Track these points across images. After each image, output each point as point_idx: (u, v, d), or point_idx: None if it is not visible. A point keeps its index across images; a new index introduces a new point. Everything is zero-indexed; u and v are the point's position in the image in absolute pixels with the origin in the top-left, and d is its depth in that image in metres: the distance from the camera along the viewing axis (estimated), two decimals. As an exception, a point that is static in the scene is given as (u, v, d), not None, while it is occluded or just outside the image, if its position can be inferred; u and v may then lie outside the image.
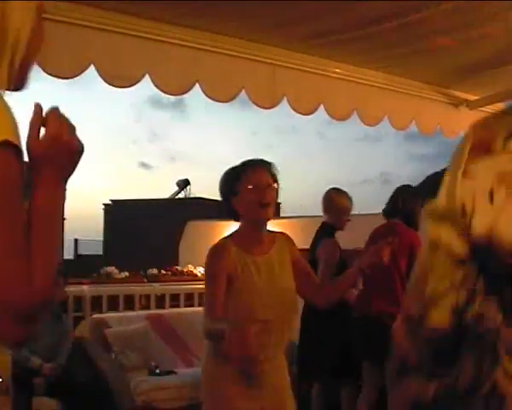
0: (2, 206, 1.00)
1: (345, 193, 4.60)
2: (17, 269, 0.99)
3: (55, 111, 1.13)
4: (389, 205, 4.43)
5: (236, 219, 2.72)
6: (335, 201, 4.53)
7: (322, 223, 4.59)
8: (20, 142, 1.04)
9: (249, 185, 2.61)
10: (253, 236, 2.67)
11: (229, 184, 2.70)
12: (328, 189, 4.65)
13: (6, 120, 1.04)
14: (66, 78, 3.44)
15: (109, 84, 3.56)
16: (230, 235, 2.72)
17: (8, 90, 1.16)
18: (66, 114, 1.15)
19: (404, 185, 4.56)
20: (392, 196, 4.45)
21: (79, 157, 1.16)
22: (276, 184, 2.68)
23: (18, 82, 1.19)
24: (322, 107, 4.40)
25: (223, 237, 2.78)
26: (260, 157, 2.74)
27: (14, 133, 1.03)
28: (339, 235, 4.56)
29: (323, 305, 2.87)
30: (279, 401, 2.63)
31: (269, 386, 2.58)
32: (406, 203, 4.32)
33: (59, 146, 1.11)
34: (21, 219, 1.04)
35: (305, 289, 2.76)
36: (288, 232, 2.89)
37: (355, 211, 4.79)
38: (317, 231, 4.59)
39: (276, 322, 2.57)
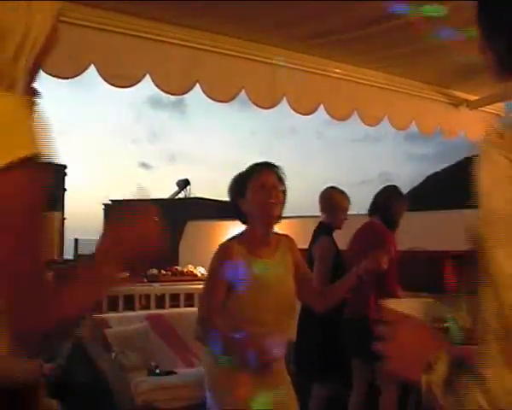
0: (27, 229, 1.01)
1: (342, 191, 4.58)
2: (35, 293, 1.01)
3: (152, 210, 1.19)
4: (371, 203, 4.50)
5: (244, 222, 2.74)
6: (333, 199, 4.51)
7: (320, 222, 4.57)
8: (38, 148, 1.03)
9: (256, 186, 2.64)
10: (259, 237, 2.69)
11: (236, 186, 2.73)
12: (325, 187, 4.63)
13: (25, 131, 1.03)
14: (67, 78, 3.44)
15: (109, 84, 3.56)
16: (237, 236, 2.74)
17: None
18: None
19: (389, 185, 4.60)
20: (375, 195, 4.53)
21: (153, 256, 1.20)
22: (283, 187, 2.70)
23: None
24: (321, 107, 4.41)
25: (230, 237, 2.79)
26: (260, 157, 2.79)
27: (32, 144, 1.02)
28: (338, 235, 4.55)
29: (321, 310, 2.91)
30: (283, 401, 2.65)
31: (272, 386, 2.60)
32: (386, 203, 4.39)
33: (138, 249, 1.16)
34: (42, 240, 1.05)
35: (304, 293, 2.78)
36: (287, 232, 2.90)
37: (354, 211, 4.79)
38: (315, 230, 4.58)
39: (277, 324, 2.58)
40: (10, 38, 1.08)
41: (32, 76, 1.18)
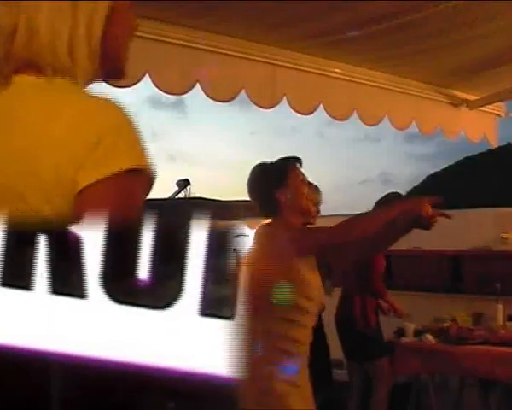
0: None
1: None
2: None
3: None
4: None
5: (275, 214, 2.64)
6: None
7: None
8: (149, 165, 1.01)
9: (300, 178, 2.64)
10: (294, 226, 2.64)
11: (276, 175, 2.64)
12: None
13: (136, 144, 1.02)
14: (66, 78, 3.43)
15: (109, 84, 3.55)
16: (269, 222, 2.65)
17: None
18: None
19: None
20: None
21: None
22: None
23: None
24: (321, 107, 4.40)
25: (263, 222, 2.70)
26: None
27: (143, 159, 1.00)
28: None
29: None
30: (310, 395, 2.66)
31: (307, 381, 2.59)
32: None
33: None
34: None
35: None
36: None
37: (354, 211, 4.78)
38: None
39: (312, 315, 2.58)
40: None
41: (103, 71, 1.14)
